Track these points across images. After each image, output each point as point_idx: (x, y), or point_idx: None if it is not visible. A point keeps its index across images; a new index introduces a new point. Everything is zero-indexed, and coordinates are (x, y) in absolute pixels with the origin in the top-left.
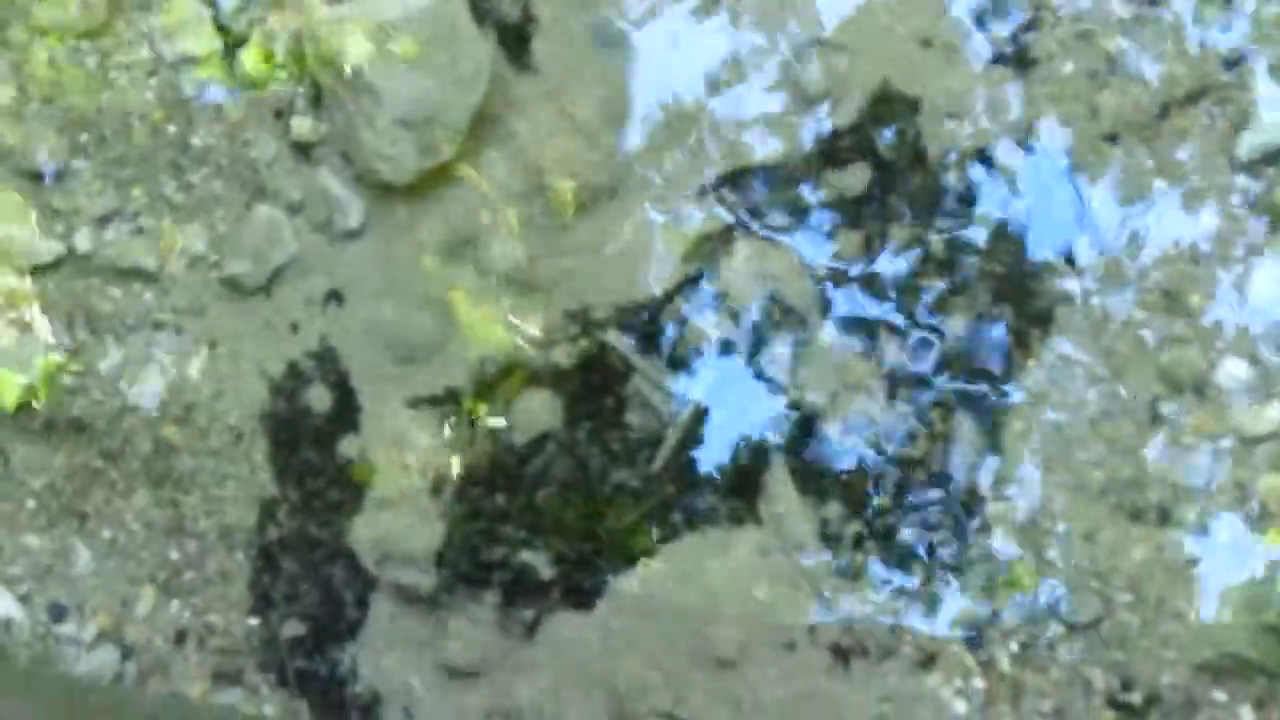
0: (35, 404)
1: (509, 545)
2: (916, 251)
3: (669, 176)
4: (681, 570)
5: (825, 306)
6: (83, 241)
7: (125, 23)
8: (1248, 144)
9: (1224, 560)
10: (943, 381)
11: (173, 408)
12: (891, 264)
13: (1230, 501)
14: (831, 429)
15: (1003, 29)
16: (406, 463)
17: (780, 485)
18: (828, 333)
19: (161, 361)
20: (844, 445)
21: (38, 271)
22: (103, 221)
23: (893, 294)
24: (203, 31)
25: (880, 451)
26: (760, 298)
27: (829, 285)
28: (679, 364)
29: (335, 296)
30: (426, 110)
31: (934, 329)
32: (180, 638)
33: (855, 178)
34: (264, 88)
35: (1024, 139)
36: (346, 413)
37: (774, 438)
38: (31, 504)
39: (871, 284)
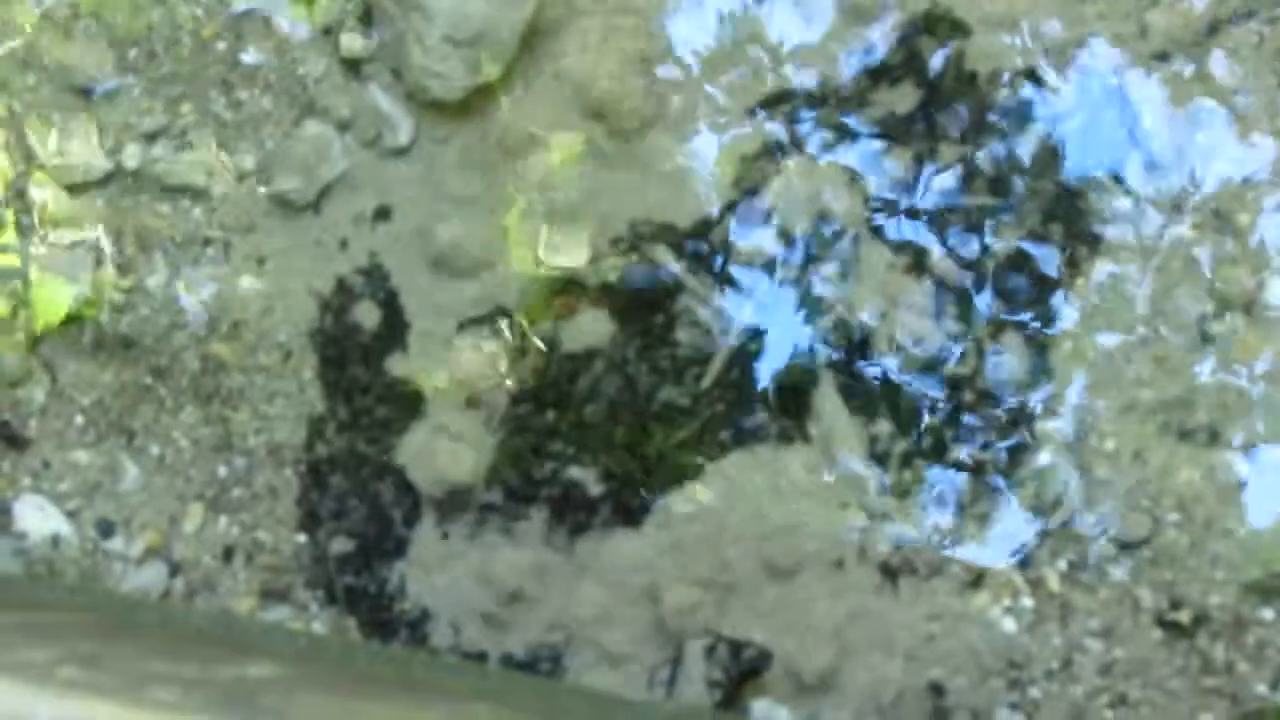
0: (100, 317)
1: (557, 461)
2: (966, 170)
3: (718, 96)
4: (730, 489)
5: (874, 225)
6: (131, 158)
7: None
8: None
9: (1273, 480)
10: (992, 300)
11: (221, 324)
12: (941, 182)
13: None
14: (881, 347)
15: None
16: (455, 379)
17: (829, 403)
18: (877, 251)
19: (210, 278)
20: (893, 363)
21: (86, 188)
22: (151, 138)
23: (942, 212)
24: None
25: (929, 370)
26: (809, 216)
27: (878, 204)
28: (728, 283)
29: (384, 213)
30: (475, 27)
31: (983, 247)
32: (228, 554)
33: (904, 97)
34: (314, 4)
35: (1073, 58)
36: (395, 330)
37: (823, 356)
38: (80, 420)
39: (921, 202)
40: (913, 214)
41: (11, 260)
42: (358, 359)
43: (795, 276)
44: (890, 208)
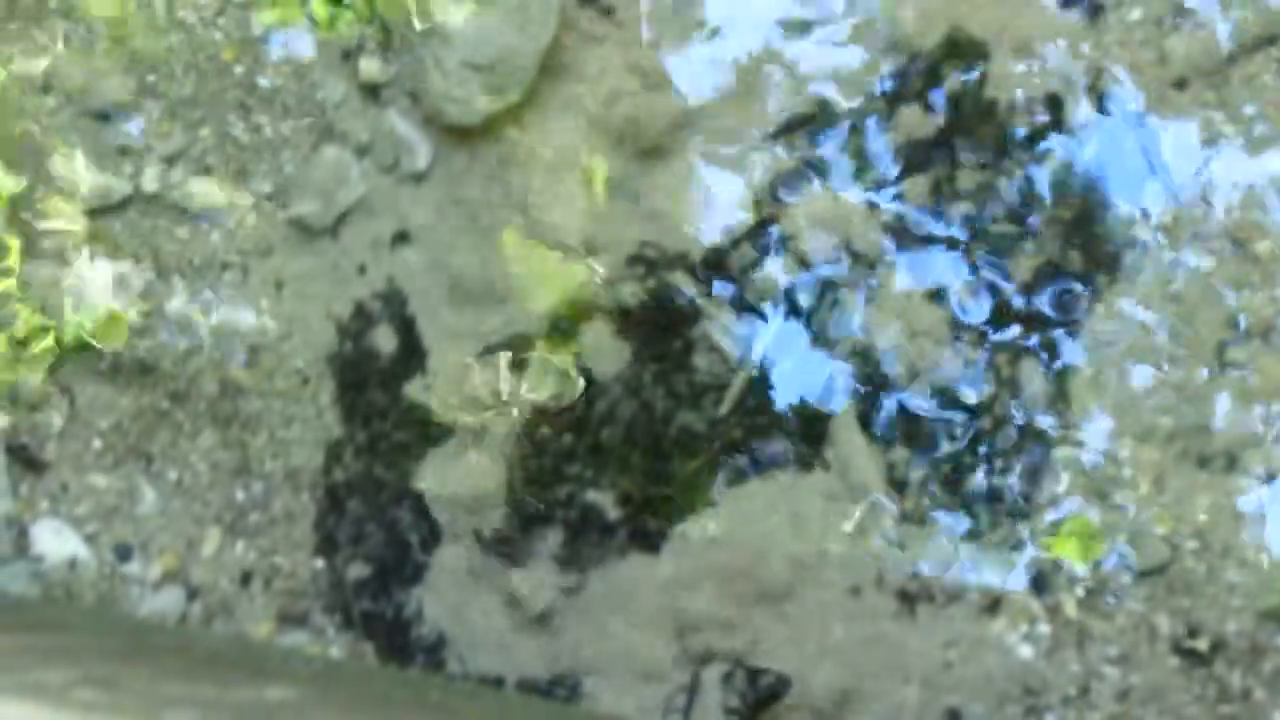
0: (98, 345)
1: (575, 484)
2: (985, 197)
3: (737, 121)
4: (747, 515)
5: (893, 252)
6: (150, 181)
7: None
8: None
9: None
10: (1010, 327)
11: (239, 349)
12: (960, 209)
13: None
14: (899, 374)
15: None
16: (473, 404)
17: (847, 430)
18: (895, 278)
19: (228, 302)
20: (911, 391)
21: (105, 211)
22: (170, 161)
23: (960, 239)
24: None
25: (947, 397)
26: (827, 243)
27: (896, 231)
28: (746, 309)
29: (402, 238)
30: (495, 52)
31: (1002, 274)
32: (246, 579)
33: (924, 123)
34: (332, 29)
35: (1093, 85)
36: (413, 355)
37: (841, 382)
38: (98, 444)
39: (939, 229)
40: (931, 241)
41: (29, 283)
42: (375, 384)
43: (813, 302)
44: (909, 234)
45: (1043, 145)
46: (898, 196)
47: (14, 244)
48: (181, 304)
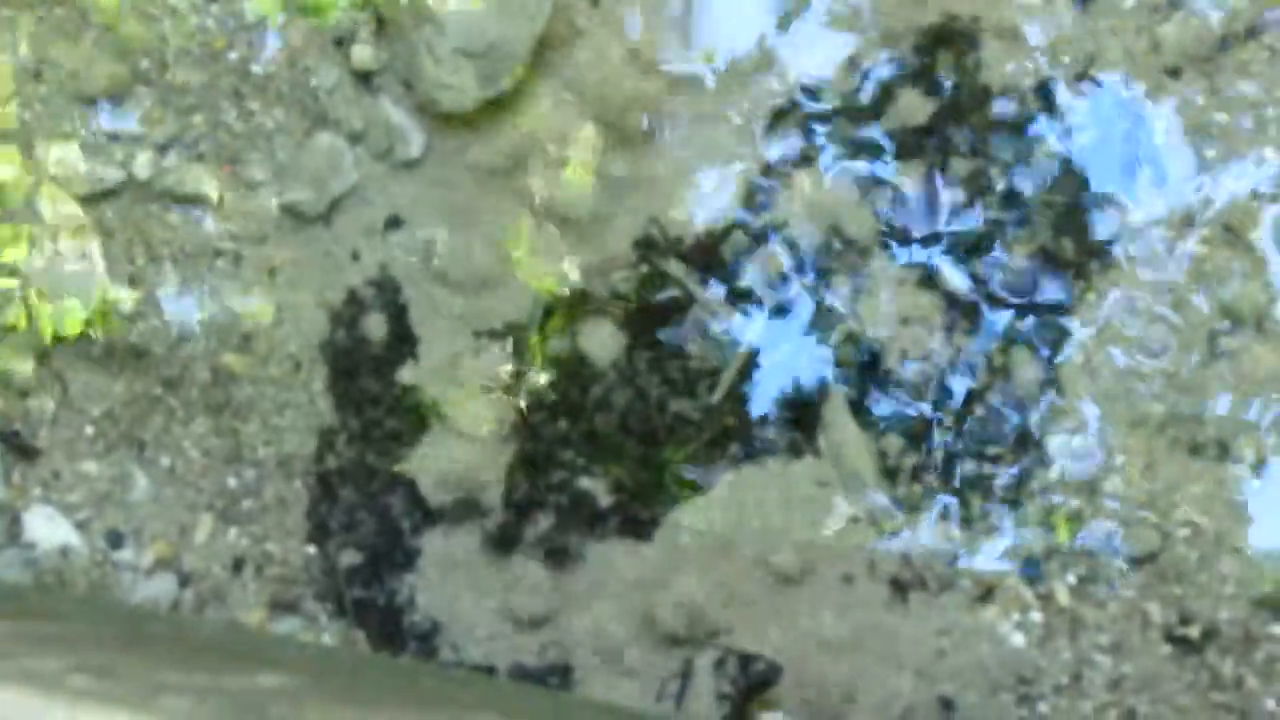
0: (93, 333)
1: (568, 471)
2: (977, 184)
3: (729, 109)
4: (739, 502)
5: (885, 239)
6: (143, 168)
7: None
8: None
9: None
10: (1003, 314)
11: (232, 336)
12: (952, 196)
13: None
14: (891, 361)
15: None
16: (464, 392)
17: (839, 417)
18: (888, 265)
19: (221, 289)
20: (903, 377)
21: (97, 199)
22: (163, 148)
23: (953, 227)
24: None
25: (939, 384)
26: (820, 230)
27: (889, 218)
28: (739, 295)
29: (395, 225)
30: (488, 39)
31: (995, 262)
32: (238, 566)
33: (916, 110)
34: (325, 15)
35: (1085, 72)
36: (406, 342)
37: (833, 370)
38: (90, 431)
39: (932, 217)
40: (923, 228)
41: (21, 271)
42: (368, 371)
43: (806, 290)
44: (901, 222)
45: (1035, 132)
46: (890, 184)
47: (17, 232)
48: (174, 291)
